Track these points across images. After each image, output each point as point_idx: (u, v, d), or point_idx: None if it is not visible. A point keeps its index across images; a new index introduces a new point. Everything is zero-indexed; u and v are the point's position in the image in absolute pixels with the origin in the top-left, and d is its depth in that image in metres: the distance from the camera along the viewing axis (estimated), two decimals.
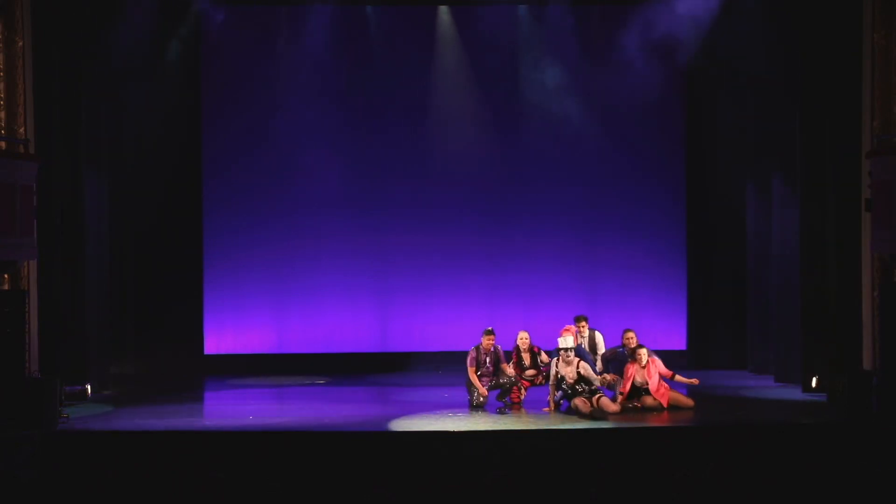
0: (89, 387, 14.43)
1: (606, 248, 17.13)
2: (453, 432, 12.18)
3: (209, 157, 16.91)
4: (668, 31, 16.66)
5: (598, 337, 14.13)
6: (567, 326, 13.70)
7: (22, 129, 13.75)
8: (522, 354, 13.75)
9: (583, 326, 14.03)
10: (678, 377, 13.39)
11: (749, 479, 11.35)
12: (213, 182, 16.96)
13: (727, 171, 16.92)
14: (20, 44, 13.71)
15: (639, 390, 13.28)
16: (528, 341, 13.77)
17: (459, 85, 16.95)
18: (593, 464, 11.40)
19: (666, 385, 13.37)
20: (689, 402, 13.42)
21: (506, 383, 13.48)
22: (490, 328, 13.64)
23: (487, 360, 13.52)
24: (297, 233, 16.98)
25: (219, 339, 17.04)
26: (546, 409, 13.19)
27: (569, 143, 17.10)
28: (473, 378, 13.38)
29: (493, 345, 13.57)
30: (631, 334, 13.76)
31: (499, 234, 17.10)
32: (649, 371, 13.28)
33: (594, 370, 13.34)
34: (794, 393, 14.67)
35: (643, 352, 13.35)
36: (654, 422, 12.61)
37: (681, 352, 17.00)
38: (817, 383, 14.54)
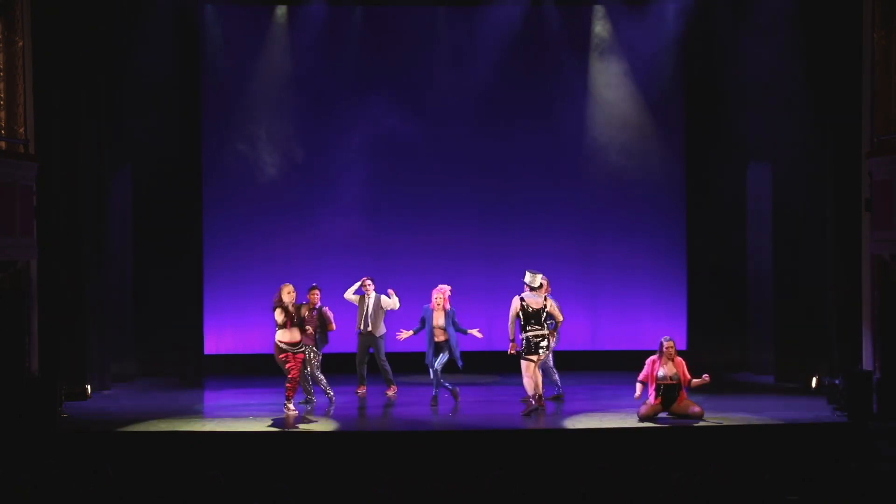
0: (89, 387, 14.44)
1: (606, 248, 17.13)
2: (453, 432, 12.18)
3: (209, 157, 16.89)
4: (669, 31, 16.69)
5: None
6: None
7: (22, 129, 13.75)
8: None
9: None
10: (694, 381, 12.78)
11: (749, 479, 11.34)
12: (213, 182, 16.94)
13: (727, 170, 16.89)
14: (20, 44, 13.72)
15: (672, 389, 12.68)
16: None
17: (460, 84, 16.93)
18: (593, 464, 11.39)
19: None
20: (700, 410, 12.75)
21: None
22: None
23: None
24: (297, 233, 16.97)
25: (219, 339, 17.02)
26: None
27: (569, 143, 17.11)
28: None
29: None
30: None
31: (499, 234, 17.09)
32: (679, 365, 12.67)
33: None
34: (793, 393, 14.67)
35: (671, 344, 12.75)
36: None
37: (681, 352, 16.94)
38: (817, 383, 14.55)
